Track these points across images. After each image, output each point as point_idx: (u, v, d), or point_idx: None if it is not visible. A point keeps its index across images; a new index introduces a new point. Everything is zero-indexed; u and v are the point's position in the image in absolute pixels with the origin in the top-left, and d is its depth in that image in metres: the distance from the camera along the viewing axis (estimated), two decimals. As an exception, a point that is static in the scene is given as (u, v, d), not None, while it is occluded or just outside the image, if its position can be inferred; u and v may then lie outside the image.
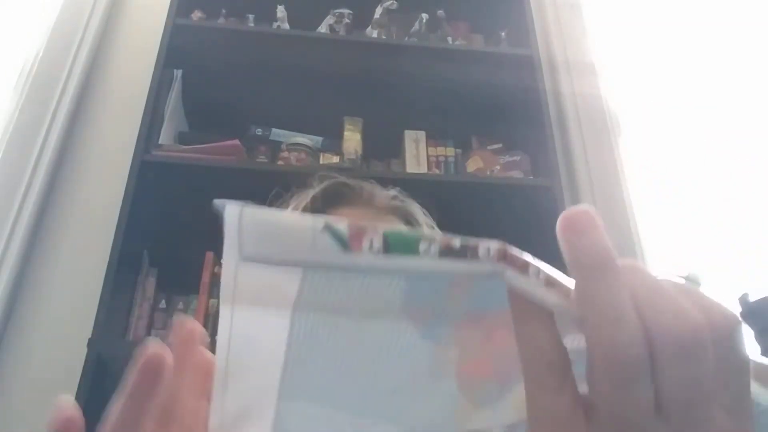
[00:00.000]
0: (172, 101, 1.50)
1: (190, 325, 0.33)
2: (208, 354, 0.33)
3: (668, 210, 1.74)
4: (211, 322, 1.32)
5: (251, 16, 1.73)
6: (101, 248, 1.27)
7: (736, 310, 1.15)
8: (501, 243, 0.24)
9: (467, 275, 0.24)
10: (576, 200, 1.72)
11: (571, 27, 2.08)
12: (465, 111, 1.72)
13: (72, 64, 1.76)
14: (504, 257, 0.24)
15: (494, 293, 0.25)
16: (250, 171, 1.46)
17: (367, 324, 0.25)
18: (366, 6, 1.74)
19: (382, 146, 1.68)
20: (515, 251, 0.24)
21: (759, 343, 1.11)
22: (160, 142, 1.42)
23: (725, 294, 1.42)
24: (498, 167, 1.60)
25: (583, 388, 0.24)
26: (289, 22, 1.71)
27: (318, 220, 0.23)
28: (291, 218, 0.24)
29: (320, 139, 1.63)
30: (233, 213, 0.24)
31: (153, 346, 0.30)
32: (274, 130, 1.65)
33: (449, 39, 1.77)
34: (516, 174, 1.57)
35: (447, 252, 0.23)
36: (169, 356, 0.30)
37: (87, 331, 1.16)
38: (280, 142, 1.60)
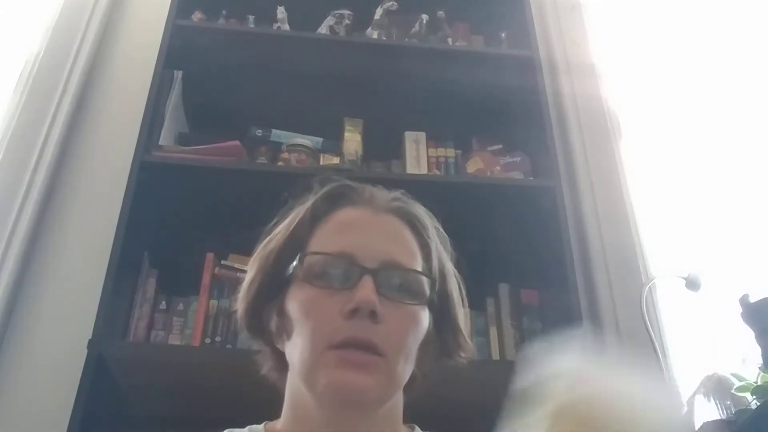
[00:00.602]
0: (172, 102, 1.50)
1: None
2: None
3: (668, 211, 1.74)
4: (211, 323, 1.32)
5: (251, 17, 1.73)
6: (101, 249, 1.27)
7: (737, 310, 1.15)
8: None
9: None
10: (576, 201, 1.72)
11: (572, 28, 2.08)
12: (465, 112, 1.72)
13: (72, 65, 1.76)
14: None
15: None
16: (251, 172, 1.46)
17: None
18: (366, 7, 1.74)
19: (383, 147, 1.67)
20: None
21: (759, 344, 1.11)
22: (160, 143, 1.43)
23: (725, 294, 1.42)
24: (498, 168, 1.60)
25: None
26: (290, 23, 1.71)
27: None
28: None
29: (320, 140, 1.63)
30: None
31: None
32: (274, 131, 1.65)
33: (449, 40, 1.77)
34: (516, 175, 1.57)
35: None
36: None
37: (87, 332, 1.16)
38: (281, 143, 1.60)
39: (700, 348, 1.50)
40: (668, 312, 1.58)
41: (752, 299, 1.13)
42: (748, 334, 1.13)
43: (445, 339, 0.66)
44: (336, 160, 1.57)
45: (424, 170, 1.60)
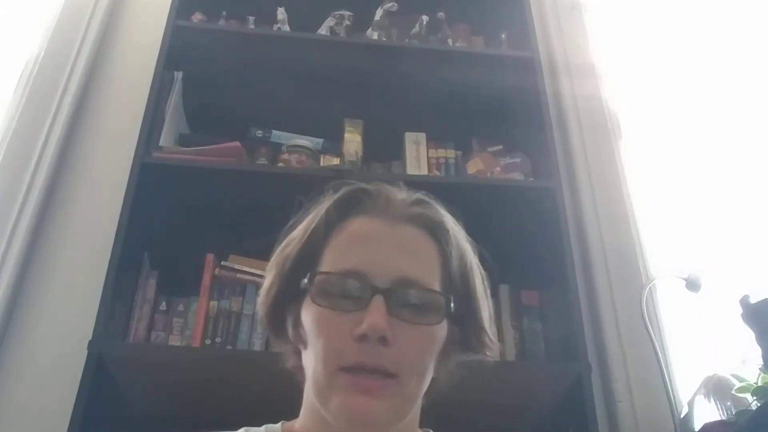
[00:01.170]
0: (172, 103, 1.50)
1: None
2: None
3: (668, 211, 1.74)
4: (211, 323, 1.32)
5: (251, 18, 1.74)
6: (102, 250, 1.27)
7: (737, 311, 1.15)
8: None
9: None
10: (576, 202, 1.72)
11: (572, 28, 2.08)
12: (465, 113, 1.72)
13: (73, 65, 1.76)
14: None
15: None
16: (251, 173, 1.46)
17: None
18: (366, 8, 1.74)
19: (383, 148, 1.67)
20: None
21: (759, 345, 1.11)
22: (160, 144, 1.43)
23: (725, 295, 1.42)
24: (498, 169, 1.60)
25: None
26: (290, 24, 1.71)
27: None
28: None
29: (320, 141, 1.63)
30: None
31: None
32: (274, 132, 1.65)
33: (449, 41, 1.77)
34: (516, 176, 1.57)
35: None
36: None
37: (87, 333, 1.16)
38: (281, 144, 1.60)
39: (701, 349, 1.50)
40: (668, 313, 1.58)
41: (752, 300, 1.13)
42: (748, 335, 1.13)
43: (468, 337, 0.64)
44: (336, 161, 1.58)
45: (424, 171, 1.60)
